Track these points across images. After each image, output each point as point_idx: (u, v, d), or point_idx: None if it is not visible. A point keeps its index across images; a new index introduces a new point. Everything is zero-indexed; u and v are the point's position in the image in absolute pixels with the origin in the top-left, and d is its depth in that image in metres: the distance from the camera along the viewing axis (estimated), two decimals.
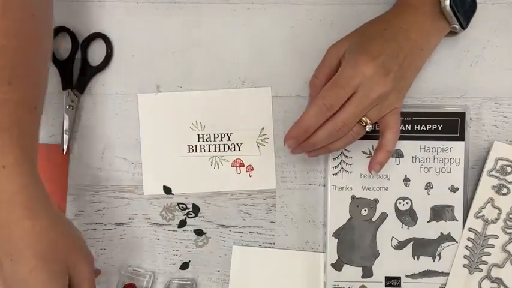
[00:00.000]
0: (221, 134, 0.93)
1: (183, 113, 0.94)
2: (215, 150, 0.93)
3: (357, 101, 0.80)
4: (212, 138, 0.93)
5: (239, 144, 0.93)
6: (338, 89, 0.80)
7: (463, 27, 0.88)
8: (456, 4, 0.84)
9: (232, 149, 0.93)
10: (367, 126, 0.83)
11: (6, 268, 0.75)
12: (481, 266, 0.92)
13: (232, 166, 0.93)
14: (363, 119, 0.82)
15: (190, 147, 0.93)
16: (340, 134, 0.83)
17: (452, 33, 0.90)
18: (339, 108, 0.81)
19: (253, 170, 0.93)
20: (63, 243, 0.77)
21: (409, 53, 0.83)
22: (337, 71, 0.83)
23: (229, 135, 0.93)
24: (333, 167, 0.92)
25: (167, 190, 0.93)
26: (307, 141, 0.84)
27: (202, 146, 0.93)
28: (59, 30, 0.93)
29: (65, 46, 0.94)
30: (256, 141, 0.93)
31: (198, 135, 0.93)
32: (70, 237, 0.79)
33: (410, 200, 0.92)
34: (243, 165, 0.93)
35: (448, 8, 0.84)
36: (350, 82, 0.80)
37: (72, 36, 0.93)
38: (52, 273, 0.75)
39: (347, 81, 0.80)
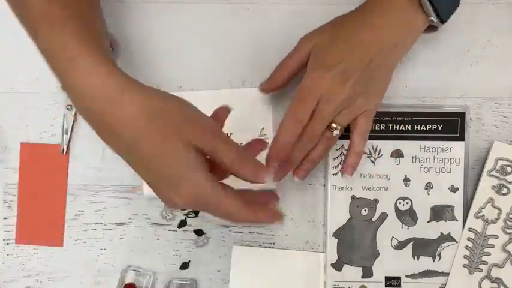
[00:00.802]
0: None
1: None
2: None
3: (319, 110, 0.83)
4: None
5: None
6: (302, 102, 0.83)
7: (442, 21, 0.84)
8: None
9: None
10: (334, 131, 0.85)
11: (140, 162, 0.73)
12: (481, 266, 0.92)
13: None
14: (332, 125, 0.85)
15: None
16: (311, 145, 0.86)
17: (432, 28, 0.87)
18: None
19: None
20: (173, 117, 0.71)
21: (377, 54, 0.83)
22: (304, 64, 0.87)
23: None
24: (333, 167, 0.92)
25: None
26: (276, 146, 0.84)
27: None
28: None
29: None
30: None
31: None
32: (177, 110, 0.73)
33: (410, 200, 0.92)
34: None
35: None
36: (311, 94, 0.83)
37: None
38: (178, 149, 0.71)
39: (308, 94, 0.83)
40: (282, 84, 0.89)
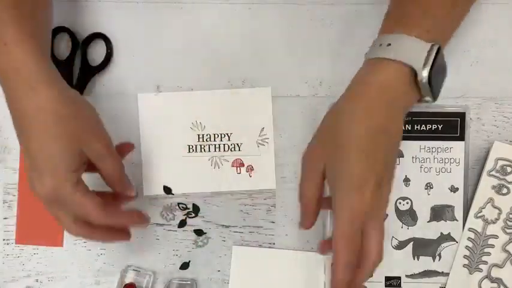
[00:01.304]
0: (221, 134, 0.93)
1: (183, 113, 0.94)
2: (215, 150, 0.93)
3: (375, 233, 0.76)
4: (212, 138, 0.93)
5: (239, 144, 0.93)
6: (348, 241, 0.75)
7: (434, 99, 0.79)
8: (431, 75, 0.75)
9: (232, 149, 0.93)
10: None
11: (26, 145, 0.78)
12: (481, 266, 0.92)
13: (232, 166, 0.93)
14: None
15: (190, 147, 0.93)
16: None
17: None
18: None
19: (253, 170, 0.93)
20: (73, 121, 0.77)
21: (390, 148, 0.78)
22: (322, 183, 0.79)
23: (229, 135, 0.93)
24: None
25: (167, 190, 0.94)
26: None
27: (202, 146, 0.93)
28: (59, 30, 0.93)
29: (64, 46, 0.94)
30: (256, 141, 0.93)
31: (198, 135, 0.93)
32: (80, 116, 0.79)
33: (410, 200, 0.92)
34: (243, 165, 0.93)
35: (425, 80, 0.74)
36: (354, 227, 0.75)
37: (72, 36, 0.93)
38: (63, 148, 0.76)
39: (350, 228, 0.75)
40: (316, 214, 0.82)
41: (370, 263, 0.77)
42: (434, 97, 0.78)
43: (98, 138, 0.80)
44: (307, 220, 0.82)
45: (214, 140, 0.93)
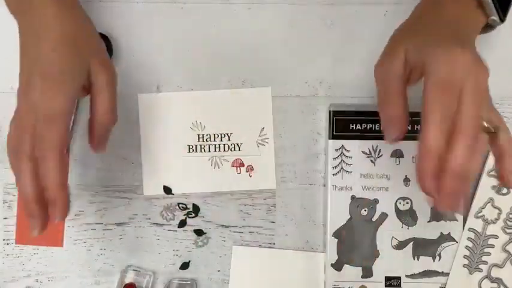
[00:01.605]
0: (221, 134, 0.93)
1: (183, 113, 0.94)
2: (215, 150, 0.93)
3: (470, 98, 0.66)
4: (212, 138, 0.93)
5: (239, 144, 0.93)
6: (443, 94, 0.67)
7: (502, 20, 0.77)
8: None
9: (232, 149, 0.93)
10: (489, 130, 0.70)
11: (32, 48, 0.77)
12: (481, 266, 0.92)
13: (232, 166, 0.93)
14: (484, 124, 0.70)
15: (190, 147, 0.93)
16: (476, 145, 0.67)
17: (488, 28, 0.80)
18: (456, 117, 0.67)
19: (253, 170, 0.93)
20: (86, 42, 0.77)
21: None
22: (407, 69, 0.72)
23: (229, 135, 0.93)
24: (333, 167, 0.92)
25: (167, 190, 0.94)
26: (450, 175, 0.67)
27: (202, 146, 0.93)
28: None
29: None
30: (256, 141, 0.93)
31: (198, 135, 0.93)
32: (94, 40, 0.80)
33: (410, 200, 0.92)
34: (243, 165, 0.93)
35: None
36: (453, 80, 0.66)
37: None
38: (72, 58, 0.75)
39: (449, 80, 0.66)
40: (405, 102, 0.73)
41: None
42: (501, 16, 0.75)
43: (105, 69, 0.78)
44: (396, 109, 0.73)
45: (214, 140, 0.93)
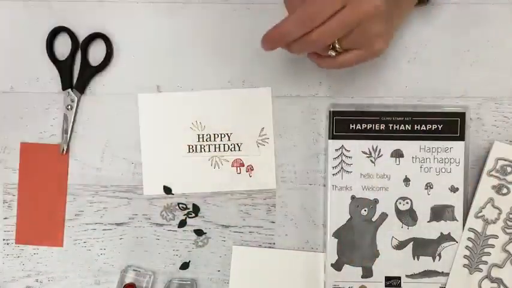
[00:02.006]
0: (221, 134, 0.93)
1: (183, 113, 0.94)
2: (215, 150, 0.93)
3: (342, 15, 0.74)
4: (212, 138, 0.93)
5: (239, 144, 0.93)
6: (323, 2, 0.74)
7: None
8: None
9: (232, 149, 0.93)
10: (330, 51, 0.79)
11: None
12: (481, 266, 0.92)
13: (232, 166, 0.93)
14: (335, 44, 0.78)
15: (190, 147, 0.93)
16: (309, 47, 0.79)
17: (421, 2, 0.89)
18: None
19: (253, 170, 0.93)
20: None
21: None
22: None
23: (229, 135, 0.93)
24: (333, 167, 0.92)
25: (167, 190, 0.94)
26: (277, 31, 0.77)
27: (202, 146, 0.93)
28: (59, 30, 0.93)
29: (65, 46, 0.94)
30: (256, 141, 0.93)
31: (198, 135, 0.93)
32: None
33: (410, 200, 0.92)
34: (243, 165, 0.93)
35: None
36: None
37: (72, 36, 0.93)
38: None
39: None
40: None
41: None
42: None
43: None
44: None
45: (214, 140, 0.93)
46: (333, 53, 0.80)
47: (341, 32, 0.76)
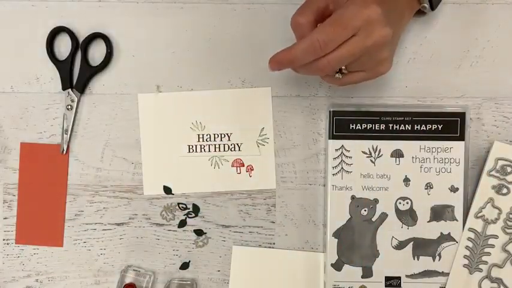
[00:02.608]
0: (221, 134, 0.93)
1: (183, 113, 0.94)
2: (215, 150, 0.93)
3: (352, 45, 0.76)
4: (212, 138, 0.93)
5: (239, 144, 0.93)
6: (338, 27, 0.75)
7: (432, 8, 0.89)
8: None
9: (232, 149, 0.93)
10: (337, 74, 0.81)
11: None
12: (481, 266, 0.92)
13: (232, 166, 0.93)
14: (343, 68, 0.80)
15: (190, 147, 0.93)
16: (317, 71, 0.80)
17: (421, 13, 0.90)
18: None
19: (253, 170, 0.93)
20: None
21: (400, 14, 0.83)
22: (322, 13, 0.79)
23: (229, 135, 0.93)
24: (333, 167, 0.92)
25: (167, 190, 0.94)
26: (287, 57, 0.78)
27: (202, 146, 0.93)
28: (59, 30, 0.93)
29: (65, 46, 0.94)
30: (256, 141, 0.93)
31: (198, 135, 0.93)
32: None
33: (410, 200, 0.92)
34: (243, 165, 0.93)
35: None
36: (353, 22, 0.74)
37: (72, 36, 0.93)
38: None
39: (350, 20, 0.75)
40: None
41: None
42: (431, 5, 0.88)
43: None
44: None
45: (214, 140, 0.93)
46: (340, 76, 0.81)
47: (349, 60, 0.77)
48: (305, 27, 0.79)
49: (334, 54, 0.76)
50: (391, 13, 0.78)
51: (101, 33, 0.94)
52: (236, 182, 0.94)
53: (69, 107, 0.93)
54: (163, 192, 0.94)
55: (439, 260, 0.92)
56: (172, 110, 0.94)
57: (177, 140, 0.94)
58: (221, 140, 0.93)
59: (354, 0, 0.76)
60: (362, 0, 0.75)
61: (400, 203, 0.92)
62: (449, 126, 0.92)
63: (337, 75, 0.81)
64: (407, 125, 0.92)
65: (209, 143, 0.93)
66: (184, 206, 0.94)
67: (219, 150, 0.93)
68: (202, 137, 0.93)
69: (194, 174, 0.94)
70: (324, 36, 0.75)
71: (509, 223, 0.91)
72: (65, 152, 0.93)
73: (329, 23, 0.75)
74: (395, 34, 0.80)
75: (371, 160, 0.92)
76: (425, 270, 0.92)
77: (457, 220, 0.92)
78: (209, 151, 0.93)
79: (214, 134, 0.93)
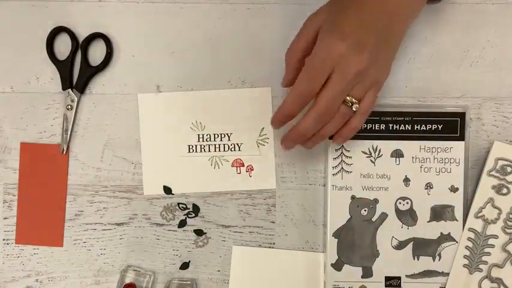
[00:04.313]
0: (221, 134, 0.93)
1: (183, 113, 0.94)
2: (215, 150, 0.93)
3: (333, 84, 0.78)
4: (212, 138, 0.93)
5: (239, 144, 0.93)
6: (313, 73, 0.79)
7: None
8: None
9: (232, 149, 0.93)
10: (353, 106, 0.81)
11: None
12: (481, 266, 0.92)
13: (232, 166, 0.93)
14: (347, 98, 0.80)
15: (190, 147, 0.93)
16: (327, 118, 0.81)
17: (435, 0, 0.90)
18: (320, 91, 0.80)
19: (253, 170, 0.93)
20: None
21: (388, 22, 0.79)
22: (313, 43, 0.81)
23: (229, 135, 0.93)
24: (333, 167, 0.92)
25: (167, 190, 0.94)
26: (295, 131, 0.83)
27: (202, 146, 0.93)
28: (59, 30, 0.93)
29: (65, 46, 0.94)
30: (256, 141, 0.93)
31: (198, 135, 0.93)
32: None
33: (410, 200, 0.92)
34: (243, 165, 0.93)
35: None
36: (324, 65, 0.78)
37: (72, 36, 0.93)
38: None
39: (321, 64, 0.78)
40: (296, 70, 0.83)
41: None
42: None
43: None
44: (287, 75, 0.86)
45: (214, 140, 0.93)
46: (354, 109, 0.82)
47: (341, 97, 0.80)
48: (295, 61, 0.84)
49: (321, 96, 0.79)
50: (368, 32, 0.78)
51: (101, 33, 0.94)
52: (236, 182, 0.94)
53: (69, 107, 0.93)
54: (163, 192, 0.94)
55: (439, 260, 0.92)
56: (173, 110, 0.94)
57: (177, 140, 0.94)
58: (221, 140, 0.93)
59: (320, 41, 0.80)
60: (325, 39, 0.79)
61: (400, 203, 0.92)
62: (449, 126, 0.92)
63: (354, 106, 0.81)
64: (407, 125, 0.92)
65: (209, 143, 0.93)
66: (184, 206, 0.94)
67: (219, 150, 0.93)
68: (203, 137, 0.93)
69: (194, 174, 0.94)
70: (303, 86, 0.80)
71: (509, 223, 0.91)
72: (65, 152, 0.93)
73: (304, 71, 0.80)
74: (384, 48, 0.81)
75: (371, 160, 0.92)
76: (425, 270, 0.92)
77: (457, 220, 0.92)
78: (209, 151, 0.93)
79: (214, 134, 0.93)
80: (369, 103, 0.82)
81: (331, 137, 0.85)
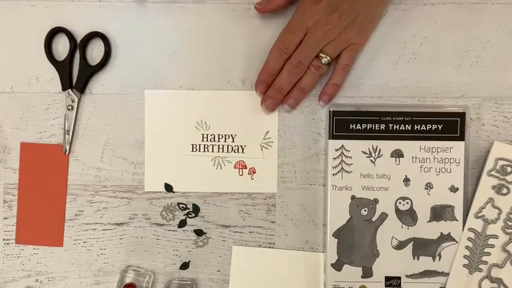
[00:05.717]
0: (225, 135, 0.93)
1: (189, 111, 0.94)
2: (218, 151, 0.93)
3: (306, 41, 0.89)
4: (216, 139, 0.93)
5: (243, 146, 0.93)
6: (289, 33, 0.90)
7: None
8: None
9: (236, 151, 0.93)
10: (322, 59, 0.90)
11: None
12: (481, 266, 0.92)
13: (235, 168, 0.93)
14: (320, 54, 0.90)
15: (194, 146, 0.93)
16: (298, 71, 0.91)
17: None
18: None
19: (255, 173, 0.93)
20: None
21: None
22: None
23: (233, 136, 0.93)
24: (333, 167, 0.92)
25: (168, 188, 0.93)
26: (272, 87, 0.92)
27: (206, 146, 0.93)
28: (57, 30, 0.93)
29: (63, 46, 0.94)
30: (260, 144, 0.93)
31: (202, 134, 0.93)
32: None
33: (410, 200, 0.92)
34: (246, 168, 0.93)
35: None
36: (299, 27, 0.89)
37: (70, 36, 0.93)
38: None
39: (296, 26, 0.90)
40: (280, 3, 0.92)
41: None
42: None
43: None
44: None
45: (218, 141, 0.93)
46: (324, 61, 0.91)
47: (315, 48, 0.90)
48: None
49: (296, 52, 0.90)
50: None
51: (98, 32, 0.93)
52: (237, 184, 0.93)
53: (70, 107, 0.93)
54: (164, 190, 0.94)
55: (439, 260, 0.92)
56: (178, 108, 0.94)
57: (181, 138, 0.94)
58: (225, 141, 0.93)
59: (298, 6, 0.91)
60: (301, 4, 0.90)
61: (400, 203, 0.92)
62: (449, 126, 0.92)
63: (323, 60, 0.91)
64: (407, 125, 0.92)
65: (213, 143, 0.93)
66: (184, 206, 0.94)
67: (223, 151, 0.93)
68: (207, 137, 0.93)
69: (196, 174, 0.94)
70: (282, 44, 0.90)
71: (509, 223, 0.91)
72: (67, 152, 0.93)
73: (283, 32, 0.91)
74: (364, 4, 0.89)
75: (371, 160, 0.92)
76: (425, 270, 0.92)
77: (457, 220, 0.92)
78: (212, 151, 0.93)
79: (219, 135, 0.93)
80: (346, 61, 0.92)
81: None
